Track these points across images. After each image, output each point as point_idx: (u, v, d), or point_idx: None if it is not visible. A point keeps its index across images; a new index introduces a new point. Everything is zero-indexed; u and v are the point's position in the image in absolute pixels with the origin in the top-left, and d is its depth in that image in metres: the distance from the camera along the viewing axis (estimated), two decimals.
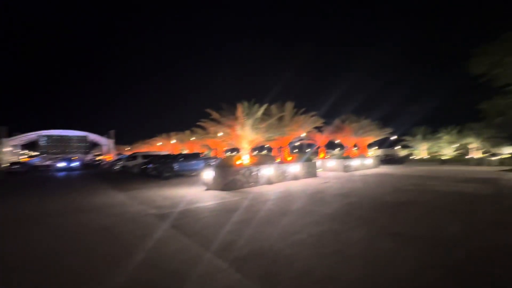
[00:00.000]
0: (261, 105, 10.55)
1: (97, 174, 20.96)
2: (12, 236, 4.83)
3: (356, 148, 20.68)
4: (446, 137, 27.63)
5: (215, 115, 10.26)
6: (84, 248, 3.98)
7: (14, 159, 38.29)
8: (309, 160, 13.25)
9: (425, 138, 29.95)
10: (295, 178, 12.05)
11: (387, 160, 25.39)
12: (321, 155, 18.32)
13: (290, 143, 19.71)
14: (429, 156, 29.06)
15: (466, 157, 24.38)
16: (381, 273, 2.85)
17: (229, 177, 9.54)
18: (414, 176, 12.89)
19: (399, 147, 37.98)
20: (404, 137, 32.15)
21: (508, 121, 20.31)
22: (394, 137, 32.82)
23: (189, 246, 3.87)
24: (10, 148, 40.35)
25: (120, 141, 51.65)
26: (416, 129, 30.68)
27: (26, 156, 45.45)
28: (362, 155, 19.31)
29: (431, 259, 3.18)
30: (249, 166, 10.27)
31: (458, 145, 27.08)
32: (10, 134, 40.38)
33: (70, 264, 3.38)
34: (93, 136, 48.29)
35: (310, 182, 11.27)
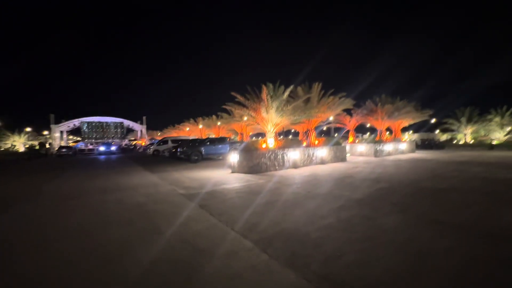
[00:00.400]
0: (287, 88, 10.18)
1: (132, 157, 22.49)
2: (71, 209, 5.36)
3: (390, 132, 19.37)
4: (497, 119, 24.46)
5: (240, 98, 10.15)
6: (121, 222, 4.26)
7: (63, 143, 42.64)
8: (337, 144, 12.70)
9: (471, 120, 26.92)
10: (322, 162, 11.69)
11: (425, 145, 23.50)
12: (350, 139, 17.49)
13: (318, 127, 19.07)
14: (474, 141, 26.23)
15: None
16: (418, 262, 2.61)
17: (254, 160, 9.54)
18: (456, 162, 11.74)
19: (438, 131, 34.75)
20: (445, 120, 29.20)
21: None
22: (433, 120, 30.06)
23: (216, 225, 3.93)
24: (58, 134, 44.88)
25: (152, 126, 54.74)
26: (460, 111, 27.62)
27: (72, 141, 50.36)
28: (396, 139, 18.06)
29: (476, 251, 2.84)
30: (274, 149, 10.14)
31: (511, 128, 23.94)
32: (57, 121, 44.86)
33: (110, 235, 3.64)
34: (127, 122, 51.55)
35: (338, 166, 10.85)
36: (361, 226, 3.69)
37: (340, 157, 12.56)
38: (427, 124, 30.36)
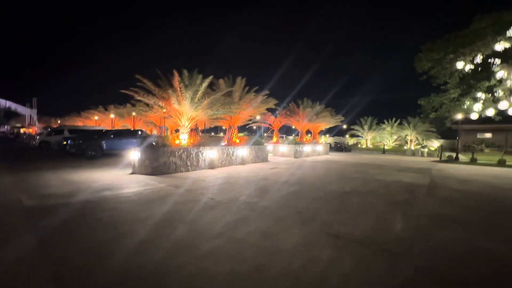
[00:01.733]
0: (205, 78, 8.99)
1: (3, 149, 16.87)
2: None
3: (310, 134, 20.75)
4: (388, 129, 29.94)
5: (146, 82, 8.34)
6: None
7: None
8: (259, 143, 12.37)
9: (371, 128, 32.05)
10: (243, 162, 11.07)
11: (337, 147, 26.48)
12: (274, 139, 17.75)
13: (245, 125, 18.64)
14: (372, 146, 31.35)
15: (404, 147, 26.86)
16: None
17: (160, 159, 8.00)
18: (359, 164, 13.15)
19: (348, 136, 40.19)
20: (353, 127, 33.94)
21: (440, 117, 22.62)
22: (344, 126, 34.44)
23: (29, 265, 2.45)
24: None
25: (49, 112, 43.58)
26: (364, 119, 32.56)
27: None
28: (314, 142, 19.39)
29: (374, 273, 2.42)
30: (187, 147, 8.82)
31: (397, 136, 29.66)
32: None
33: None
34: (7, 103, 38.76)
35: (257, 167, 10.42)
36: (254, 249, 2.92)
37: (261, 157, 12.26)
38: (339, 128, 34.57)
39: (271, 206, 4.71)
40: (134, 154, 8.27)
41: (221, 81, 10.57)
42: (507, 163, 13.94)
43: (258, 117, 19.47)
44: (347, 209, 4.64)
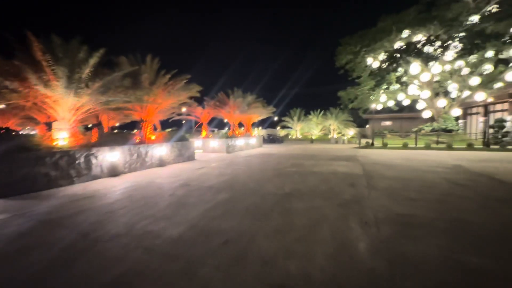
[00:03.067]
0: (96, 51, 6.36)
1: None
2: None
3: (243, 127, 19.72)
4: (314, 119, 32.03)
5: None
6: None
7: None
8: (183, 139, 10.31)
9: (300, 119, 33.70)
10: (161, 164, 8.88)
11: (270, 139, 26.53)
12: (203, 133, 15.84)
13: (169, 119, 15.99)
14: (302, 136, 33.07)
15: (329, 136, 29.16)
16: None
17: (18, 170, 5.16)
18: (293, 155, 12.77)
19: (279, 127, 41.54)
20: (284, 118, 35.02)
21: (355, 108, 25.19)
22: (275, 118, 35.19)
23: None
24: None
25: None
26: (293, 111, 33.95)
27: None
28: (247, 135, 18.43)
29: None
30: (69, 149, 6.13)
31: (322, 126, 32.09)
32: None
33: None
34: None
35: (180, 168, 8.47)
36: None
37: (186, 155, 10.27)
38: (270, 120, 35.14)
39: (184, 235, 3.06)
40: None
41: (122, 58, 7.97)
42: (408, 145, 16.22)
43: (184, 109, 17.10)
44: (292, 224, 3.43)
